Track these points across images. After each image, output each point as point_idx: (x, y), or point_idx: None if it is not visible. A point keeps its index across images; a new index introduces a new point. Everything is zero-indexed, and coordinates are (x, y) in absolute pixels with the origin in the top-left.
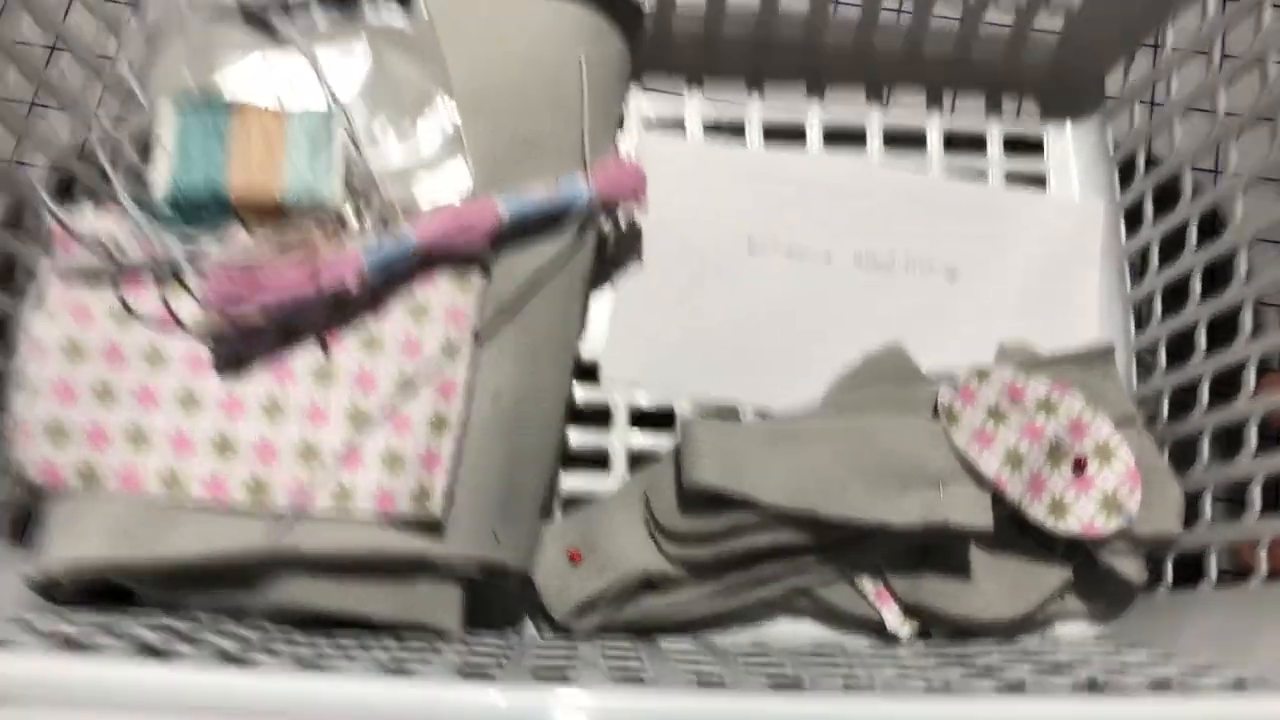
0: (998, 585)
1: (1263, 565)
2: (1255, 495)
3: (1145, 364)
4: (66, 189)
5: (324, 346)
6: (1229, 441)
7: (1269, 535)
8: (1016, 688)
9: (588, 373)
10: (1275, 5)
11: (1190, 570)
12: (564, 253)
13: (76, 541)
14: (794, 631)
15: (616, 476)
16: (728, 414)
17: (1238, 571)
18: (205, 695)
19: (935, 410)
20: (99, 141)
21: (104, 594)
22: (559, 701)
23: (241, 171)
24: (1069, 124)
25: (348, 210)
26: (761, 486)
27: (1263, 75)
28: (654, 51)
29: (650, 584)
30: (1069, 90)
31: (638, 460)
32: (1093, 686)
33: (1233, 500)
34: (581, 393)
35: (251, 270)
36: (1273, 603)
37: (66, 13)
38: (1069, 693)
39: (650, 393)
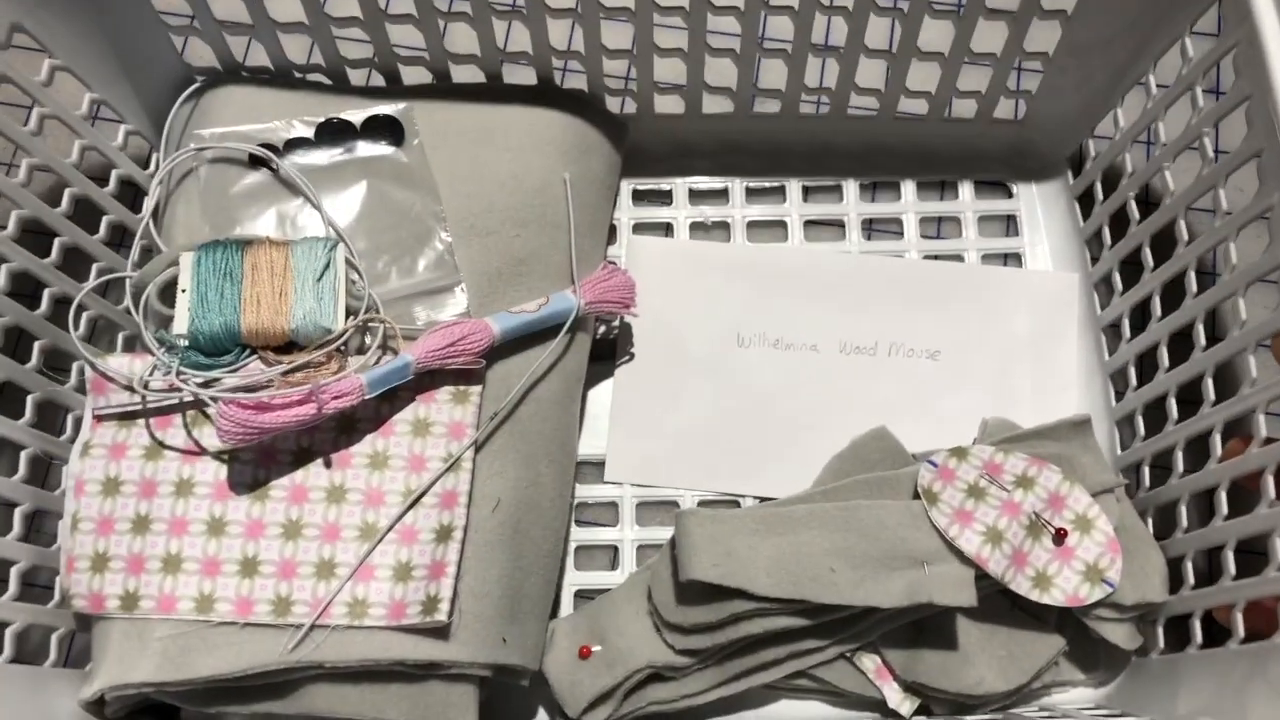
0: (992, 659)
1: (1239, 628)
2: (1229, 559)
3: (1127, 433)
4: (93, 327)
5: (335, 467)
6: (1207, 506)
7: (1243, 599)
8: None
9: (594, 471)
10: (1206, 91)
11: (1186, 633)
12: (556, 362)
13: (120, 666)
14: (799, 712)
15: (626, 571)
16: (724, 506)
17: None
18: None
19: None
20: (129, 290)
21: (152, 709)
22: None
23: (253, 313)
24: (1038, 202)
25: (350, 334)
26: (754, 578)
27: (1202, 153)
28: (638, 156)
29: (658, 674)
30: (1035, 171)
31: (648, 550)
32: None
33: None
34: (588, 490)
35: (260, 400)
36: (1245, 665)
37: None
38: None
39: (653, 490)
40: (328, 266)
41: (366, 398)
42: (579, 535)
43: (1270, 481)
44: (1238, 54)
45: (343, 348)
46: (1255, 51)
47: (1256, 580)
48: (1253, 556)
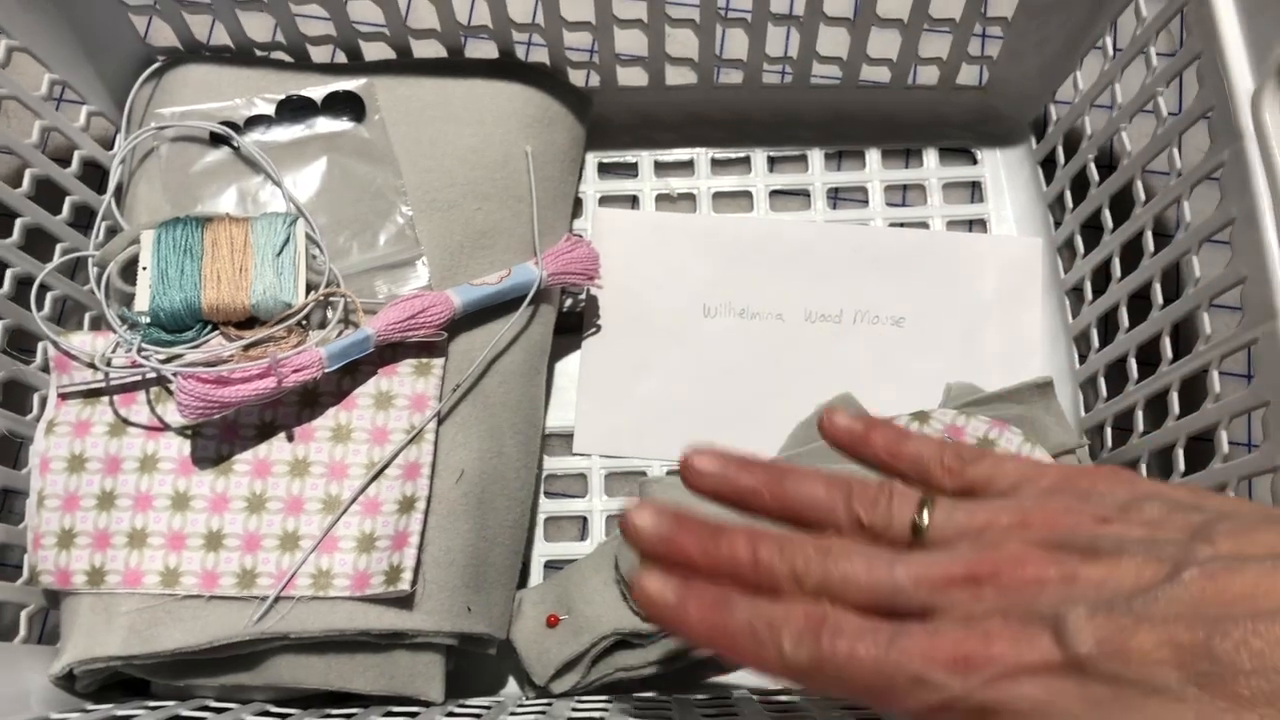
0: None
1: None
2: None
3: (1091, 394)
4: (62, 308)
5: (298, 441)
6: (1169, 464)
7: None
8: None
9: (563, 442)
10: (1160, 53)
11: None
12: (519, 334)
13: (87, 640)
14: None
15: (595, 541)
16: None
17: None
18: None
19: None
20: (92, 269)
21: (123, 683)
22: None
23: (213, 288)
24: (1002, 168)
25: (311, 308)
26: None
27: (1157, 113)
28: (602, 129)
29: (625, 641)
30: (999, 136)
31: (617, 520)
32: None
33: None
34: (557, 462)
35: (220, 374)
36: None
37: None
38: None
39: (622, 460)
40: (287, 242)
41: (327, 371)
42: (548, 506)
43: (1224, 436)
44: (1188, 11)
45: (304, 322)
46: (1204, 8)
47: None
48: None
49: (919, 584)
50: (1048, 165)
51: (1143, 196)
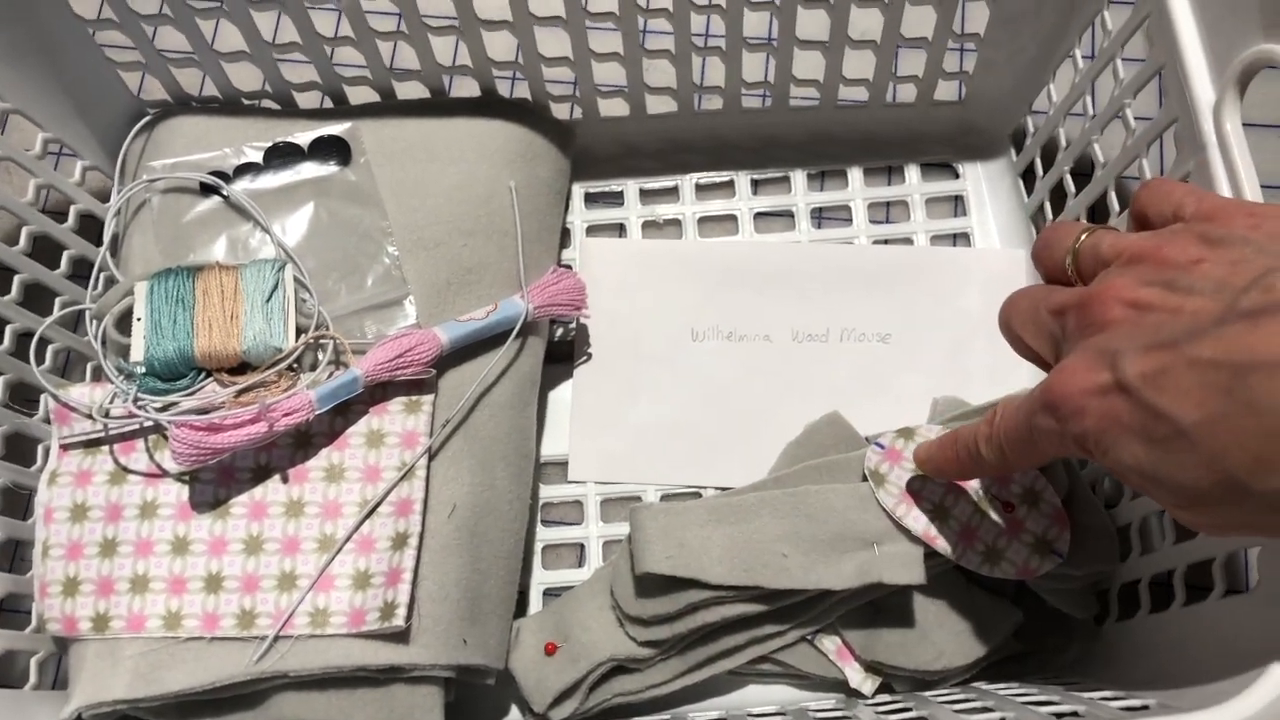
0: (949, 634)
1: (1179, 591)
2: (1168, 524)
3: None
4: (66, 360)
5: (292, 482)
6: None
7: (1184, 563)
8: None
9: (558, 471)
10: (1129, 59)
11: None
12: (508, 367)
13: (94, 685)
14: (765, 696)
15: (593, 568)
16: (686, 498)
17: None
18: None
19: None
20: (89, 322)
21: None
22: None
23: (205, 336)
24: (984, 181)
25: (301, 352)
26: (707, 568)
27: (1125, 123)
28: (587, 159)
29: (622, 667)
30: (980, 150)
31: (614, 546)
32: None
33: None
34: (553, 490)
35: (212, 421)
36: (1189, 625)
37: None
38: None
39: (617, 486)
40: (276, 287)
41: (317, 413)
42: (546, 535)
43: None
44: (1150, 24)
45: (294, 365)
46: (1165, 21)
47: (1195, 543)
48: None
49: (1050, 308)
50: (1028, 177)
51: (1117, 207)
